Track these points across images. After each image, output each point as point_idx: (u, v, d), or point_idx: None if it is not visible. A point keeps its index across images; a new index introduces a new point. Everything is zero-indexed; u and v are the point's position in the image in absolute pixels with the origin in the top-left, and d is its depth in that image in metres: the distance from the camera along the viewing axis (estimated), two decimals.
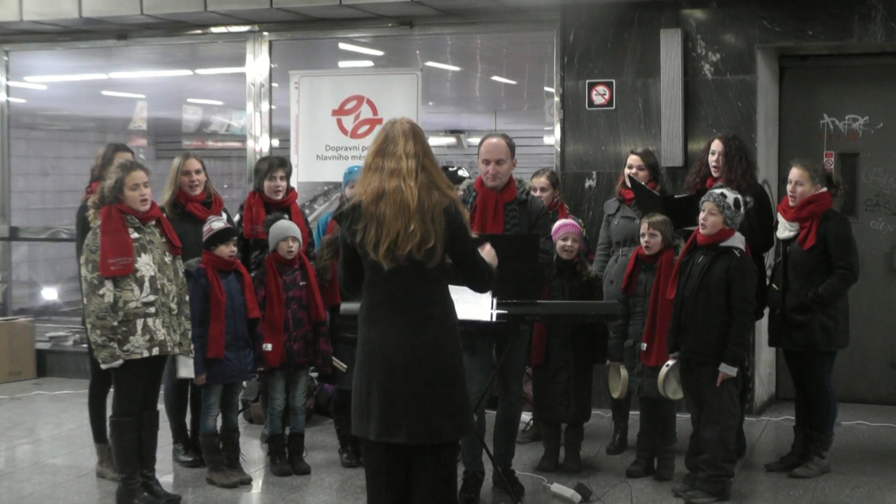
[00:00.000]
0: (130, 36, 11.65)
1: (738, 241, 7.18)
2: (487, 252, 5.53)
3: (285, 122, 11.11)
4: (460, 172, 8.92)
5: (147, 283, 6.96)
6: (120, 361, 6.87)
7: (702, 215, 7.18)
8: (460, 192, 7.11)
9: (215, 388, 7.68)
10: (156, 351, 7.01)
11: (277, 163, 8.46)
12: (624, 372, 7.76)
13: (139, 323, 6.92)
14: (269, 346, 7.76)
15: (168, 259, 7.15)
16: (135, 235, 6.97)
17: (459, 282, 5.44)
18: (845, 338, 7.76)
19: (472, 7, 10.24)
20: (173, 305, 7.12)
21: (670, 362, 7.35)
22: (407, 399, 5.21)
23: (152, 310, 6.97)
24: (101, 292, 6.85)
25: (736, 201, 7.15)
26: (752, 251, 7.57)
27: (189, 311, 7.27)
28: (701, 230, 7.21)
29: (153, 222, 7.13)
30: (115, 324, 6.86)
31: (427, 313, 5.26)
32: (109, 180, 7.03)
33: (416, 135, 5.24)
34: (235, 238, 7.68)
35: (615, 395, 7.94)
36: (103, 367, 6.92)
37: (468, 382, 7.03)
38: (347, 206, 5.27)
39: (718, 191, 7.23)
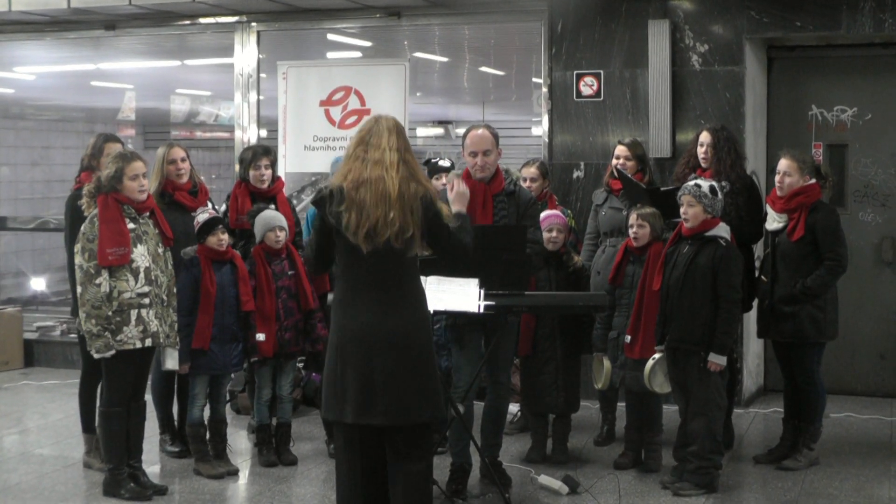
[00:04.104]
0: (119, 26, 11.59)
1: (723, 230, 7.19)
2: (457, 194, 5.74)
3: (273, 113, 11.07)
4: (441, 162, 8.90)
5: (142, 274, 6.95)
6: (113, 351, 6.87)
7: (682, 209, 7.19)
8: (444, 184, 7.10)
9: (201, 378, 7.66)
10: (148, 342, 7.01)
11: (261, 151, 8.42)
12: (607, 363, 7.76)
13: (133, 314, 6.92)
14: (262, 336, 7.74)
15: (161, 250, 7.15)
16: (130, 226, 6.96)
17: (440, 267, 5.52)
18: (834, 329, 7.75)
19: None
20: (165, 297, 7.13)
21: (657, 356, 7.34)
22: (383, 380, 5.35)
23: (146, 301, 6.97)
24: (97, 281, 6.83)
25: (711, 188, 7.16)
26: (741, 242, 7.59)
27: (176, 303, 7.27)
28: (685, 224, 7.20)
29: (147, 213, 7.12)
30: (110, 314, 6.85)
31: (400, 297, 5.42)
32: (108, 170, 7.00)
33: (399, 131, 5.48)
34: (221, 226, 7.64)
35: (598, 386, 7.93)
36: (96, 356, 6.91)
37: (457, 374, 7.10)
38: (327, 190, 5.40)
39: (692, 182, 7.25)
